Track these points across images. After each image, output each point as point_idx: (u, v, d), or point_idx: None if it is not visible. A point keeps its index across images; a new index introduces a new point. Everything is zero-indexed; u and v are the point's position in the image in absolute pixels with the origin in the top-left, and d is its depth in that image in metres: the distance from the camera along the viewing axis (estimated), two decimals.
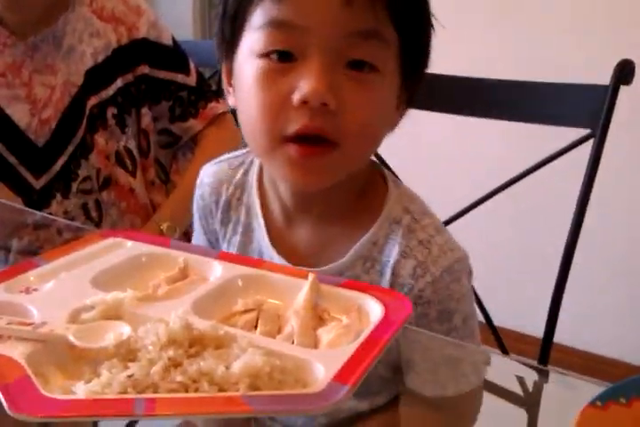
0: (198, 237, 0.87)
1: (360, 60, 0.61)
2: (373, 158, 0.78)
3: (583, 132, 0.96)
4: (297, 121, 0.61)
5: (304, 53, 0.60)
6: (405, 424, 0.76)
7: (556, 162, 1.00)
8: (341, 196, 0.72)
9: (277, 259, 0.75)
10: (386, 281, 0.71)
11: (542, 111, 0.99)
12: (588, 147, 0.96)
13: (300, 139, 0.62)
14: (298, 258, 0.74)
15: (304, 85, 0.59)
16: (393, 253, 0.71)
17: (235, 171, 0.81)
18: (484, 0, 1.90)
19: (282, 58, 0.61)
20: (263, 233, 0.77)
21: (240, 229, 0.79)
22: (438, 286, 0.70)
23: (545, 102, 0.99)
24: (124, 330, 0.52)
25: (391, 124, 0.71)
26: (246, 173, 0.80)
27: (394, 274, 0.71)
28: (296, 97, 0.60)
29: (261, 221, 0.77)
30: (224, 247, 0.82)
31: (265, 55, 0.62)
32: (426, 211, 0.74)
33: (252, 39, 0.63)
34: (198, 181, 0.84)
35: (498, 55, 1.83)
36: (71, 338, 0.51)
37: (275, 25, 0.61)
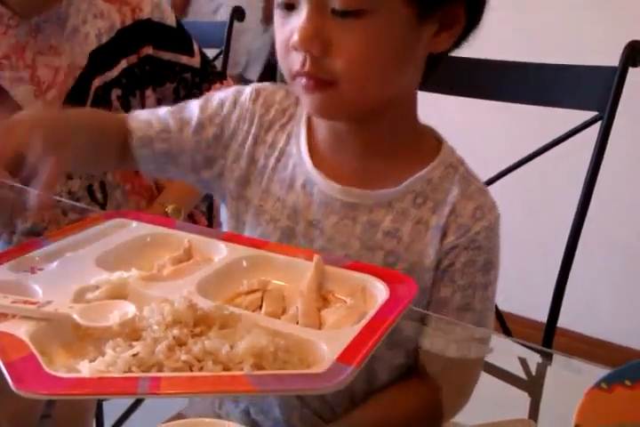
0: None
1: (339, 10, 0.63)
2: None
3: (591, 114, 0.95)
4: (295, 64, 0.67)
5: (299, 3, 0.65)
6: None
7: (563, 145, 0.99)
8: (392, 130, 0.74)
9: (320, 180, 0.75)
10: (441, 219, 0.72)
11: (549, 93, 0.98)
12: (595, 129, 0.95)
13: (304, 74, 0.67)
14: (345, 180, 0.74)
15: (294, 35, 0.65)
16: (452, 193, 0.73)
17: (289, 98, 0.81)
18: None
19: (286, 8, 0.67)
20: (305, 156, 0.76)
21: (275, 154, 0.78)
22: (490, 234, 0.73)
23: (552, 84, 0.98)
24: (129, 309, 0.52)
25: (409, 60, 0.69)
26: (297, 102, 0.80)
27: (454, 213, 0.72)
28: (290, 44, 0.66)
29: (304, 146, 0.77)
30: (241, 160, 0.79)
31: (277, 4, 0.68)
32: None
33: None
34: (253, 85, 0.83)
35: (504, 37, 1.80)
36: (76, 317, 0.51)
37: None
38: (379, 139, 0.74)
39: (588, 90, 0.95)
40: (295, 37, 0.64)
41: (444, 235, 0.72)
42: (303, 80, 0.67)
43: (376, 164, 0.75)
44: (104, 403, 0.99)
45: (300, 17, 0.65)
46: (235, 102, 0.81)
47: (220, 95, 0.83)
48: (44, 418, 0.78)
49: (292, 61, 0.67)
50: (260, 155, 0.79)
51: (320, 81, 0.66)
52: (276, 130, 0.80)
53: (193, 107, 0.82)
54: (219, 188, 0.82)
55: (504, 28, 1.85)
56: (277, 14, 0.69)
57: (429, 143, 0.77)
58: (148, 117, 0.83)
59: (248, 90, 0.82)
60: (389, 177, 0.74)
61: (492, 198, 0.75)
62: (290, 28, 0.66)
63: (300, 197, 0.76)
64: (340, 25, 0.64)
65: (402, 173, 0.74)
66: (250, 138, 0.80)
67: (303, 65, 0.66)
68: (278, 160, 0.78)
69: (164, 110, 0.83)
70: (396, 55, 0.68)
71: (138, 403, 1.14)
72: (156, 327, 0.49)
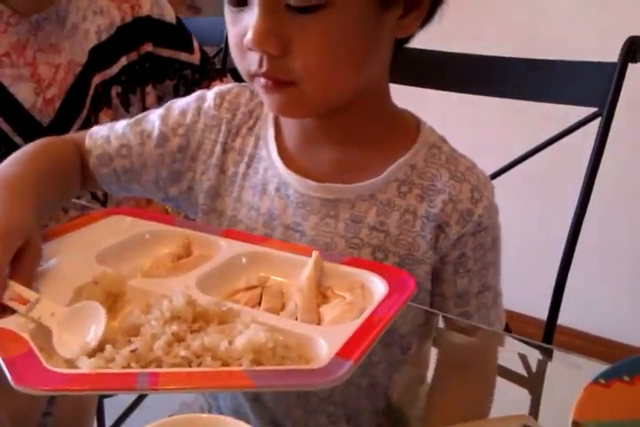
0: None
1: (295, 5, 0.59)
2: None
3: (591, 110, 0.95)
4: (251, 64, 0.63)
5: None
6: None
7: (563, 141, 0.99)
8: (365, 119, 0.70)
9: (294, 180, 0.71)
10: (432, 208, 0.68)
11: (549, 89, 0.98)
12: (595, 125, 0.95)
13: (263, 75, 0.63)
14: (322, 177, 0.70)
15: (247, 33, 0.60)
16: (441, 177, 0.69)
17: (254, 99, 0.77)
18: None
19: (236, 4, 0.62)
20: (275, 158, 0.73)
21: (245, 160, 0.75)
22: (491, 211, 0.70)
23: (551, 80, 0.98)
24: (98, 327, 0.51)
25: (374, 50, 0.65)
26: (263, 102, 0.76)
27: (451, 201, 0.68)
28: (244, 44, 0.61)
29: (273, 147, 0.73)
30: (210, 171, 0.76)
31: (227, 1, 0.63)
32: None
33: None
34: (215, 90, 0.79)
35: (504, 32, 1.80)
36: (54, 336, 0.51)
37: None
38: (352, 129, 0.70)
39: (588, 86, 0.95)
40: (249, 36, 0.59)
41: (445, 225, 0.68)
42: (262, 80, 0.63)
43: (353, 155, 0.71)
44: (105, 401, 0.99)
45: (252, 13, 0.60)
46: (198, 110, 0.77)
47: (181, 103, 0.79)
48: (45, 416, 0.78)
49: (248, 61, 0.63)
50: (230, 163, 0.76)
51: (280, 81, 0.62)
52: (244, 134, 0.76)
53: (153, 118, 0.79)
54: (188, 204, 0.79)
55: (504, 24, 1.85)
56: (228, 10, 0.64)
57: (408, 127, 0.72)
58: (107, 133, 0.79)
59: (211, 95, 0.78)
60: (369, 167, 0.70)
61: (482, 172, 0.72)
62: (243, 26, 0.61)
63: (275, 201, 0.72)
64: (297, 20, 0.59)
65: (382, 162, 0.70)
66: (218, 146, 0.76)
67: (260, 65, 0.62)
68: (249, 166, 0.75)
69: (122, 124, 0.80)
70: (360, 48, 0.63)
71: (139, 401, 1.14)
72: (154, 323, 0.50)
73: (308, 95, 0.63)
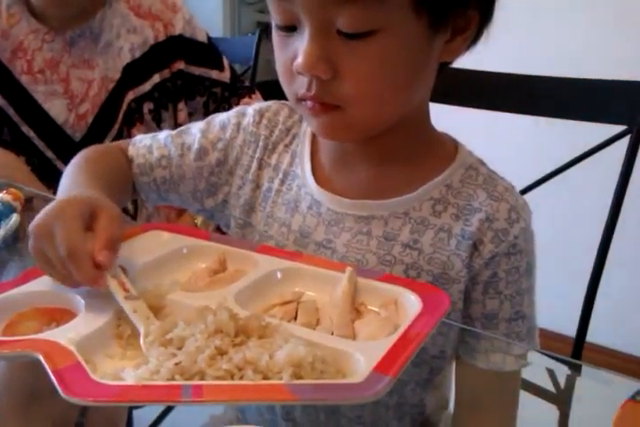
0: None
1: (346, 32, 0.59)
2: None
3: (621, 128, 0.95)
4: (299, 87, 0.64)
5: (300, 24, 0.61)
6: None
7: (592, 158, 0.99)
8: (404, 140, 0.70)
9: (327, 198, 0.72)
10: (468, 227, 0.68)
11: (578, 107, 0.99)
12: (624, 143, 0.95)
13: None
14: (355, 194, 0.71)
15: (298, 57, 0.61)
16: (478, 197, 0.69)
17: (292, 116, 0.79)
18: None
19: (286, 29, 0.63)
20: (308, 176, 0.73)
21: (279, 176, 0.76)
22: (528, 235, 0.70)
23: (581, 98, 0.98)
24: None
25: (423, 75, 0.66)
26: (301, 120, 0.78)
27: (488, 219, 0.68)
28: (293, 68, 0.62)
29: (308, 165, 0.74)
30: (247, 186, 0.78)
31: (276, 26, 0.64)
32: None
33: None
34: (256, 107, 0.80)
35: (534, 52, 1.81)
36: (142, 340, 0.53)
37: None
38: (390, 150, 0.71)
39: (618, 104, 0.96)
40: (299, 61, 0.60)
41: (479, 243, 0.68)
42: (309, 104, 0.64)
43: (388, 173, 0.71)
44: (134, 412, 1.00)
45: (302, 39, 0.61)
46: (238, 126, 0.79)
47: (222, 118, 0.80)
48: (77, 426, 0.79)
49: (296, 85, 0.64)
50: (265, 178, 0.77)
51: (326, 105, 0.63)
52: (280, 151, 0.77)
53: (194, 131, 0.80)
54: (222, 216, 0.81)
55: (534, 43, 1.86)
56: (277, 35, 0.65)
57: (445, 148, 0.73)
58: (149, 143, 0.81)
59: (250, 112, 0.79)
60: (403, 186, 0.70)
61: (521, 196, 0.72)
62: (292, 51, 0.62)
63: (307, 219, 0.73)
64: (348, 46, 0.60)
65: (417, 181, 0.70)
66: (254, 162, 0.77)
67: (309, 89, 0.62)
68: (283, 182, 0.76)
69: (164, 135, 0.82)
70: (409, 74, 0.64)
71: (167, 412, 1.15)
72: (198, 336, 0.51)
73: (355, 119, 0.64)
